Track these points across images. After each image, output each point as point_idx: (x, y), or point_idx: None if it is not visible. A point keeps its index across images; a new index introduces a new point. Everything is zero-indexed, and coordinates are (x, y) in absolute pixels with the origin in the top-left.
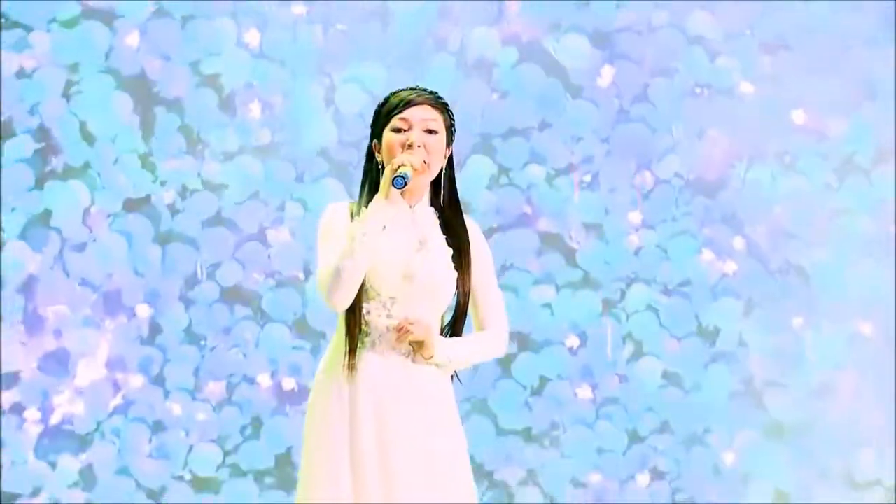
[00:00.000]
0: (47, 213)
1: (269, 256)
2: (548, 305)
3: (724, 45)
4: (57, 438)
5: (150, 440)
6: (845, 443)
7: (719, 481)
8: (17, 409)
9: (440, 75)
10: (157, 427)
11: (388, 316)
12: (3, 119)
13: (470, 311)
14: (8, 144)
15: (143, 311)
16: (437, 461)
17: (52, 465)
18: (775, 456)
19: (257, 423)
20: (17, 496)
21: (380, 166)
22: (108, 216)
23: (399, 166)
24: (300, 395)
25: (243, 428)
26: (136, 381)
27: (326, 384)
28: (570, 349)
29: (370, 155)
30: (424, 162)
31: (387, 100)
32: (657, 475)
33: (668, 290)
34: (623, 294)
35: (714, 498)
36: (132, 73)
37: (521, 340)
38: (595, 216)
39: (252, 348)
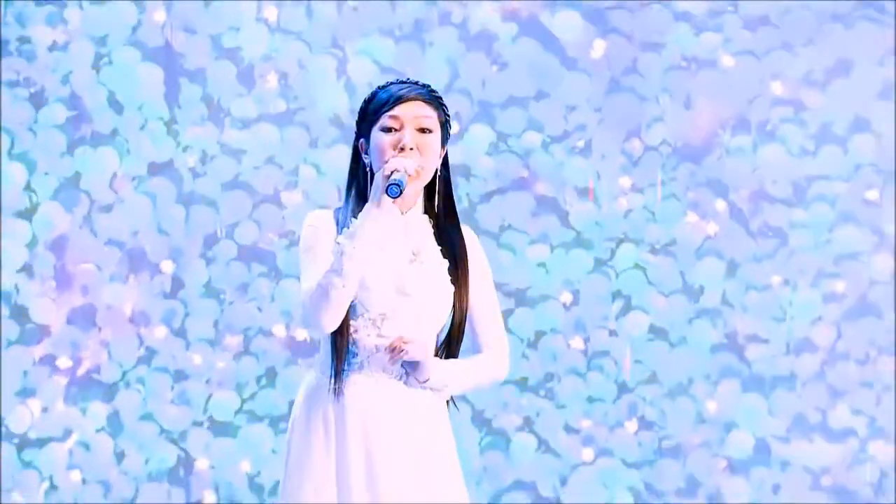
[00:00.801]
0: (77, 177)
1: (283, 217)
2: (543, 264)
3: (708, 21)
4: (85, 387)
5: (173, 388)
6: (821, 395)
7: (702, 429)
8: (48, 360)
9: (443, 48)
10: (179, 376)
11: (379, 335)
12: (37, 89)
13: (467, 329)
14: (42, 112)
15: (167, 267)
16: (430, 493)
17: (82, 412)
18: (755, 406)
19: (272, 372)
20: (49, 439)
21: (367, 169)
22: (134, 179)
23: (392, 172)
24: (312, 346)
25: (259, 377)
26: (160, 332)
27: (310, 409)
28: (564, 304)
29: (356, 156)
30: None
31: (374, 95)
32: (644, 423)
33: (656, 250)
34: (613, 253)
35: (697, 444)
36: (157, 46)
37: (518, 296)
38: (587, 180)
39: (267, 303)
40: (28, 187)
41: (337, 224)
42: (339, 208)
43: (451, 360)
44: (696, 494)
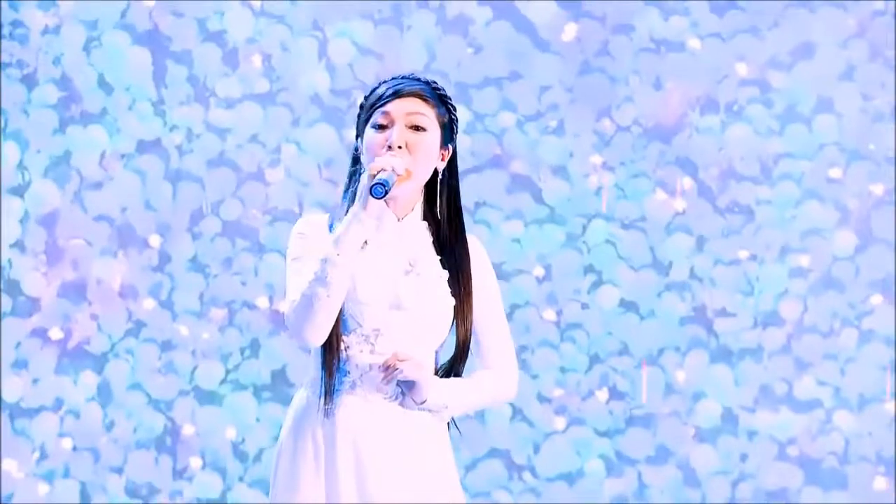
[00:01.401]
0: (68, 155)
1: (266, 195)
2: (517, 239)
3: (676, 5)
4: (76, 358)
5: (160, 358)
6: (787, 366)
7: (671, 398)
8: (40, 332)
9: (421, 31)
10: (166, 346)
11: (373, 352)
12: (30, 71)
13: (472, 346)
14: (35, 93)
15: (154, 242)
16: None
17: (73, 382)
18: (722, 377)
19: (256, 343)
20: (41, 408)
21: (363, 171)
22: (123, 157)
23: (378, 171)
24: None
25: (243, 348)
26: (148, 305)
27: (298, 430)
28: (537, 278)
29: (356, 158)
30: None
31: (373, 90)
32: (615, 392)
33: (626, 226)
34: (584, 229)
35: (666, 412)
36: (145, 30)
37: (494, 271)
38: (560, 159)
39: (251, 276)
40: (21, 165)
41: (331, 231)
42: (338, 211)
43: (452, 379)
44: (666, 462)
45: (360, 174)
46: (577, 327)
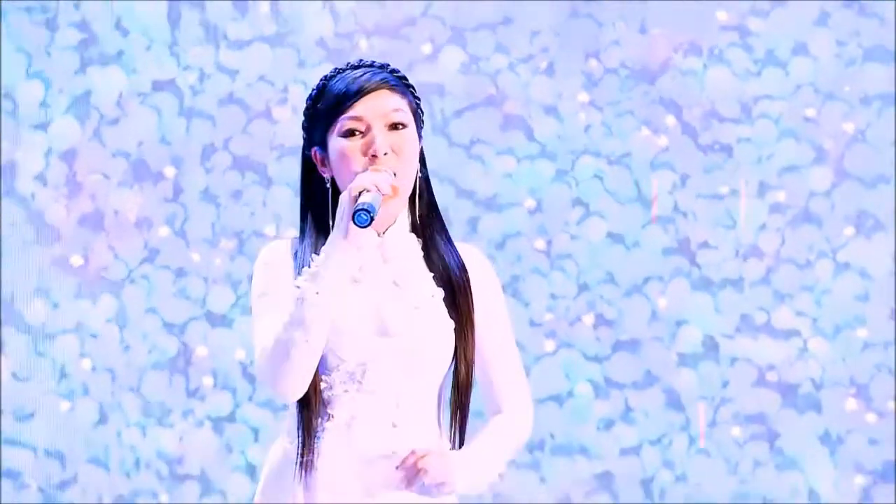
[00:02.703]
0: (88, 94)
1: (274, 132)
2: (510, 174)
3: None
4: (94, 284)
5: (174, 283)
6: (766, 296)
7: (655, 325)
8: (60, 260)
9: None
10: (180, 273)
11: (360, 390)
12: (52, 15)
13: (478, 376)
14: (56, 36)
15: (169, 174)
16: None
17: (92, 305)
18: (704, 305)
19: None
20: (61, 332)
21: (326, 186)
22: (139, 95)
23: (360, 193)
24: None
25: (251, 275)
26: (162, 233)
27: (276, 490)
28: (528, 210)
29: (307, 168)
30: (395, 177)
31: (322, 90)
32: (602, 319)
33: (612, 162)
34: (573, 164)
35: (650, 338)
36: None
37: (487, 204)
38: (550, 98)
39: (260, 208)
40: (44, 103)
41: (294, 259)
42: (297, 238)
43: (472, 450)
44: (652, 386)
45: (318, 190)
46: (567, 257)
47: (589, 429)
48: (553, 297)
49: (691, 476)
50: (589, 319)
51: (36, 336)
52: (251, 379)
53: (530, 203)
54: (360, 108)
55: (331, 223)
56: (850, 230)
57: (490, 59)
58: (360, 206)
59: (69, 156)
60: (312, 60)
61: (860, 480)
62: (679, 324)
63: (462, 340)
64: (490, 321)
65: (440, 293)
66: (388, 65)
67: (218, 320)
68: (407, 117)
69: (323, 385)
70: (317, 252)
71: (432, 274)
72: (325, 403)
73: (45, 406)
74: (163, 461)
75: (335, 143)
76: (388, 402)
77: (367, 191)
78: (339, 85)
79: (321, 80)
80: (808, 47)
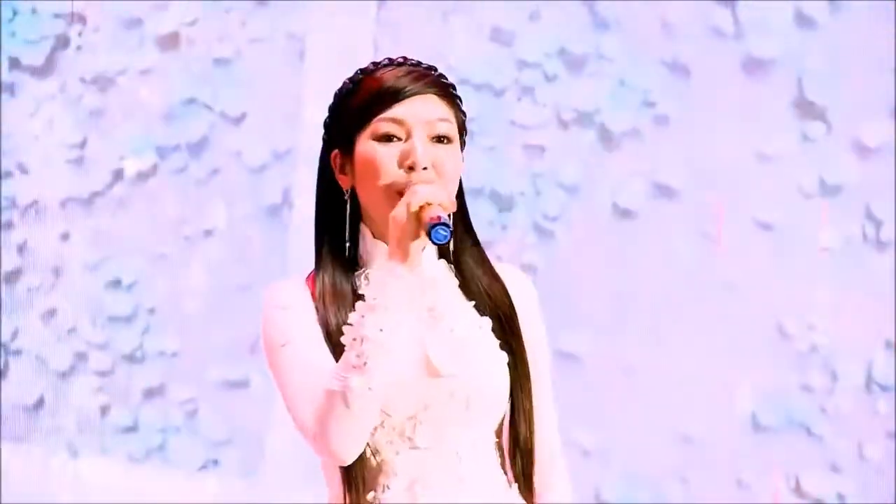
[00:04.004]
0: None
1: None
2: None
3: None
4: None
5: None
6: None
7: None
8: None
9: None
10: None
11: (413, 447)
12: None
13: (506, 429)
14: None
15: None
16: None
17: None
18: None
19: None
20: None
21: (345, 198)
22: None
23: (425, 206)
24: None
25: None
26: None
27: None
28: None
29: (326, 175)
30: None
31: (356, 84)
32: None
33: None
34: None
35: None
36: None
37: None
38: None
39: None
40: None
41: (314, 296)
42: (303, 276)
43: None
44: None
45: (338, 202)
46: None
47: None
48: None
49: None
50: None
51: None
52: None
53: None
54: (402, 109)
55: (347, 244)
56: None
57: None
58: (442, 221)
59: None
60: None
61: None
62: None
63: (517, 372)
64: (534, 360)
65: (487, 323)
66: (437, 68)
67: None
68: (453, 131)
69: (369, 450)
70: (367, 280)
71: (473, 302)
72: (375, 473)
73: None
74: None
75: (365, 146)
76: (449, 456)
77: (432, 204)
78: (379, 80)
79: (357, 72)
80: None
